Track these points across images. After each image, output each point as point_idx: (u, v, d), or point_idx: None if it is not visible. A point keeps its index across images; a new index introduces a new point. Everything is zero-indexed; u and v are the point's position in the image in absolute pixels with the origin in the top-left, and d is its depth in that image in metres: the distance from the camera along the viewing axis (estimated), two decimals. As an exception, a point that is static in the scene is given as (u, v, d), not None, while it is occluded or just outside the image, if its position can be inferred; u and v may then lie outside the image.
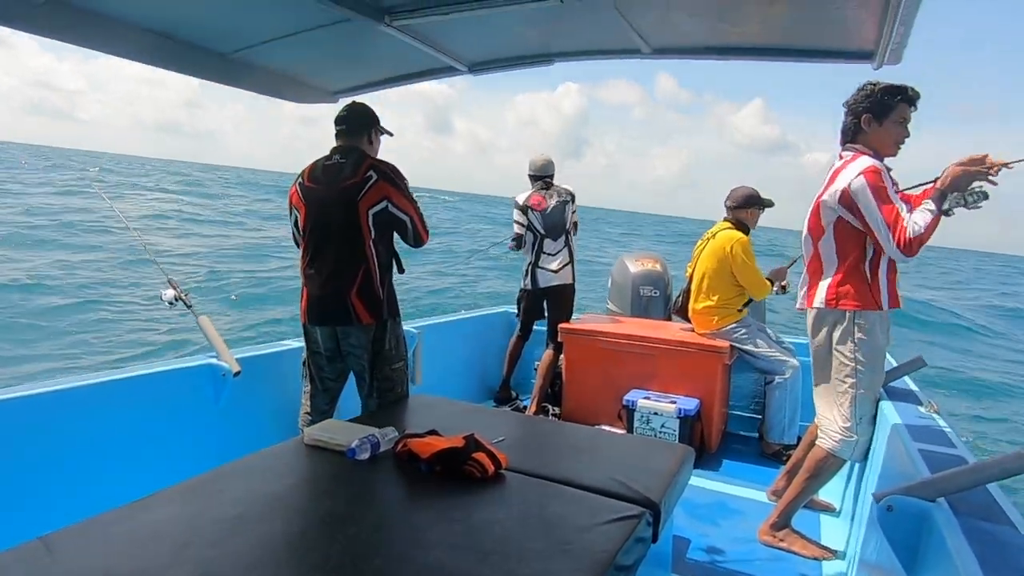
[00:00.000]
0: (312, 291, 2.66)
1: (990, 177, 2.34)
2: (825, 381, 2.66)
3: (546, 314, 4.55)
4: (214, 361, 2.73)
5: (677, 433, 3.58)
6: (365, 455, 1.89)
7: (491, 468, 1.80)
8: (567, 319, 4.39)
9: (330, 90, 3.30)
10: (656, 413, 3.63)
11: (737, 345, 3.89)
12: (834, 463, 2.62)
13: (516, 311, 4.70)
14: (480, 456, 1.81)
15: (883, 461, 2.39)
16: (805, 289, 2.74)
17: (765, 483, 3.33)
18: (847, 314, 2.55)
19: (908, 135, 2.56)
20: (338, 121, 2.76)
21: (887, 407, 2.60)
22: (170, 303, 2.87)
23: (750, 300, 3.94)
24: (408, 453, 1.88)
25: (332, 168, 2.65)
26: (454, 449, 1.82)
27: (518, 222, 4.47)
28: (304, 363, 2.79)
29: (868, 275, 2.53)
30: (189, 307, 2.88)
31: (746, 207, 3.97)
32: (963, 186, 2.36)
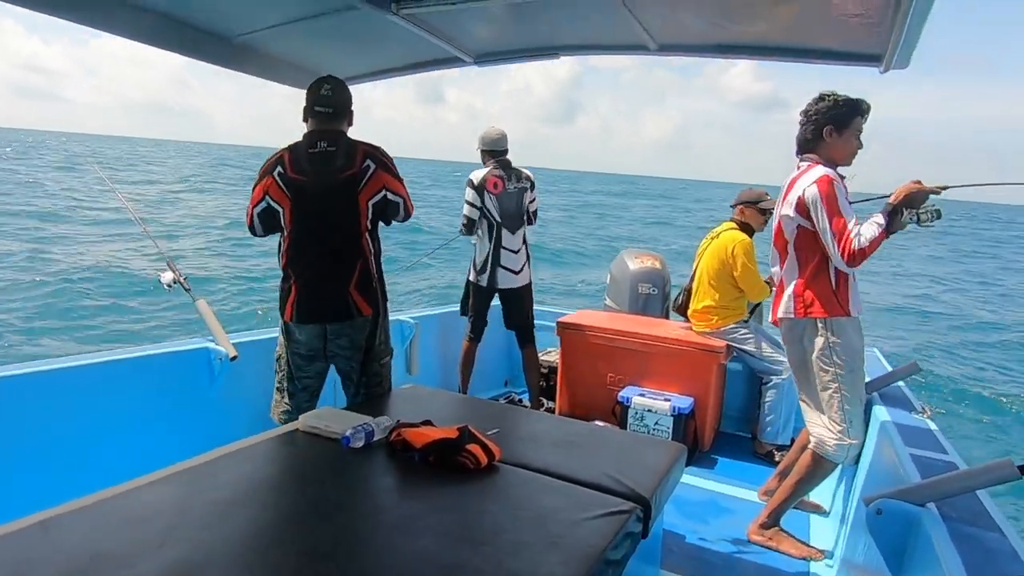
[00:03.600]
0: (303, 287, 2.49)
1: (935, 195, 2.46)
2: (809, 390, 2.67)
3: (508, 317, 4.19)
4: (211, 345, 2.73)
5: (671, 431, 3.59)
6: (359, 443, 1.89)
7: (484, 460, 1.81)
8: (531, 318, 4.22)
9: (342, 76, 3.30)
10: (650, 410, 3.64)
11: (736, 345, 3.89)
12: (826, 467, 2.63)
13: (461, 308, 4.22)
14: (474, 447, 1.81)
15: (874, 464, 2.40)
16: (773, 303, 2.79)
17: (757, 483, 3.34)
18: (816, 322, 2.57)
19: (862, 146, 2.61)
20: (321, 102, 2.50)
21: (880, 410, 2.61)
22: (168, 286, 2.86)
23: (758, 305, 3.94)
24: (402, 442, 1.88)
25: (320, 157, 2.45)
26: (448, 440, 1.83)
27: (470, 203, 3.95)
28: (279, 359, 2.64)
29: (833, 281, 2.56)
30: (187, 290, 2.88)
31: (751, 206, 3.95)
32: (916, 204, 2.45)
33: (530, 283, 4.18)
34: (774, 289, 3.79)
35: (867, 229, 2.41)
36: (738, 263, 3.79)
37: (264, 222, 2.54)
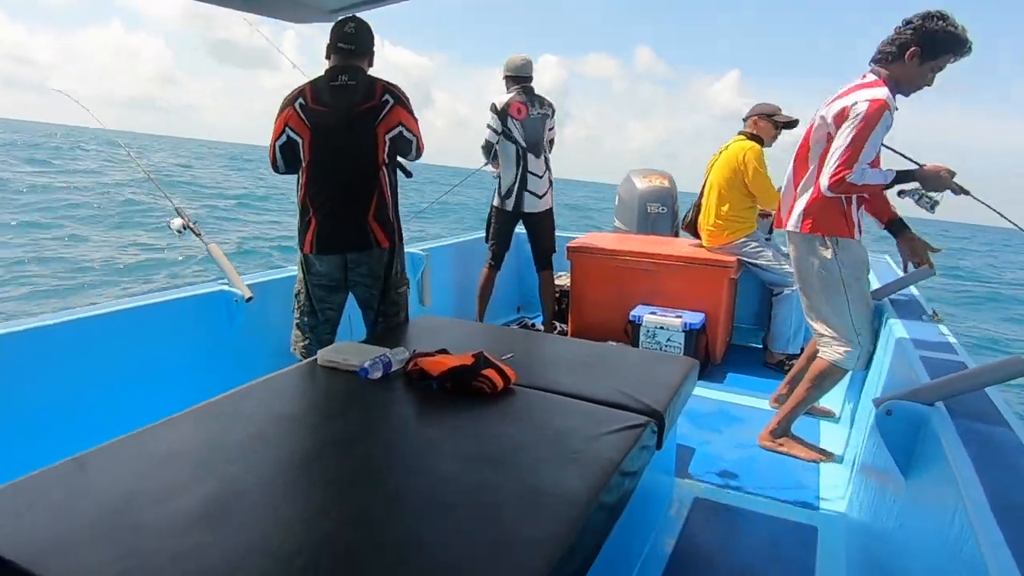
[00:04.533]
0: (323, 218, 2.55)
1: (953, 192, 2.42)
2: (815, 301, 2.69)
3: (532, 240, 4.23)
4: (226, 288, 2.77)
5: (683, 346, 3.64)
6: (377, 374, 1.94)
7: (500, 383, 1.85)
8: (554, 242, 4.23)
9: (326, 8, 3.18)
10: (662, 327, 3.68)
11: (746, 259, 3.89)
12: (836, 373, 2.68)
13: (485, 235, 4.26)
14: (489, 372, 1.85)
15: (884, 369, 2.43)
16: (784, 207, 2.75)
17: (768, 392, 3.41)
18: (824, 238, 2.57)
19: (931, 85, 2.48)
20: (345, 39, 2.55)
21: (890, 316, 2.63)
22: (178, 231, 2.87)
23: (768, 217, 3.91)
24: (419, 372, 1.92)
25: (341, 90, 2.50)
26: (464, 366, 1.87)
27: (492, 128, 3.95)
28: (298, 294, 2.71)
29: (844, 201, 2.53)
30: (198, 235, 2.89)
31: (764, 118, 3.87)
32: (932, 186, 2.42)
33: (552, 209, 4.19)
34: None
35: (874, 174, 2.37)
36: (750, 169, 3.74)
37: (285, 156, 2.58)
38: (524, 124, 3.93)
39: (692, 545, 2.14)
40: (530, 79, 4.04)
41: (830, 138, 2.49)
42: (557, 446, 1.55)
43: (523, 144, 3.94)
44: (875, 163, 2.46)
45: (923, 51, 2.39)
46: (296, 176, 2.63)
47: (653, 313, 3.76)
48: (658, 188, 4.84)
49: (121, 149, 3.36)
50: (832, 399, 3.36)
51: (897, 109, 2.43)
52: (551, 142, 4.15)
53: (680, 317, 3.68)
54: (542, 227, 4.17)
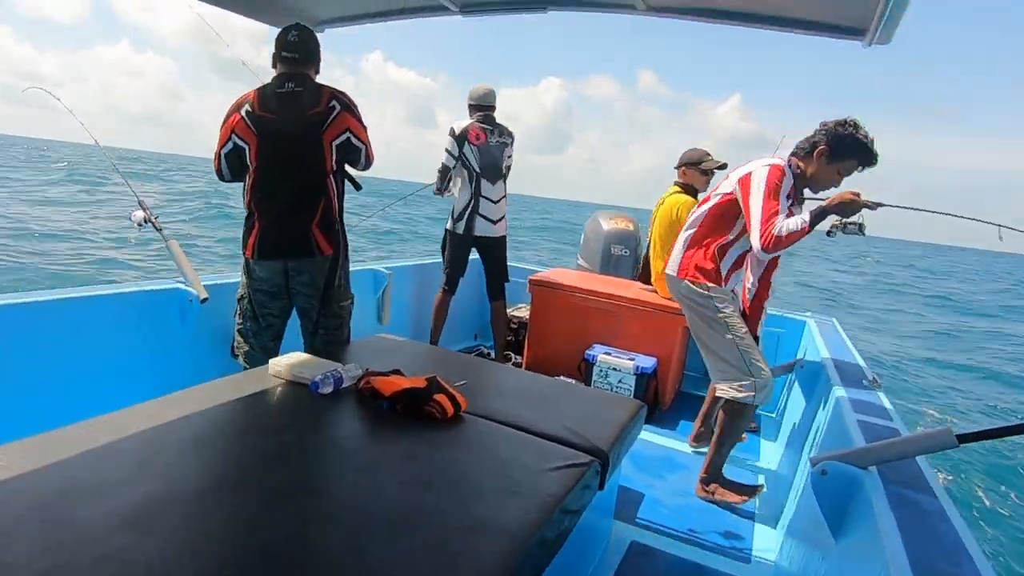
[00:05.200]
0: (267, 224, 2.54)
1: (869, 209, 2.50)
2: (706, 341, 2.81)
3: (483, 266, 4.27)
4: (182, 286, 2.72)
5: (633, 389, 3.68)
6: (328, 389, 1.92)
7: (451, 410, 1.85)
8: (506, 271, 4.29)
9: (317, 18, 3.21)
10: (615, 368, 3.73)
11: None
12: (744, 410, 2.75)
13: (441, 258, 4.25)
14: (441, 398, 1.86)
15: (822, 429, 2.51)
16: (671, 255, 2.91)
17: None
18: (698, 284, 2.73)
19: (838, 187, 2.63)
20: (288, 47, 2.54)
21: (833, 379, 2.72)
22: (139, 224, 2.83)
23: None
24: (371, 390, 1.92)
25: (287, 96, 2.51)
26: (416, 389, 1.87)
27: (448, 152, 3.98)
28: (241, 299, 2.69)
29: (717, 256, 2.70)
30: (159, 230, 2.84)
31: (692, 166, 3.96)
32: (847, 212, 2.51)
33: (505, 236, 4.23)
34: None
35: (791, 222, 2.48)
36: (683, 224, 3.84)
37: (231, 164, 2.57)
38: (480, 150, 3.98)
39: None
40: (492, 108, 4.11)
41: (727, 199, 2.67)
42: (502, 477, 1.56)
43: (477, 169, 3.98)
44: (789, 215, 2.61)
45: (830, 151, 2.57)
46: (243, 181, 2.61)
47: (607, 353, 3.81)
48: (623, 231, 4.94)
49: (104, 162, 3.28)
50: (770, 457, 3.45)
51: (794, 184, 2.60)
52: (508, 168, 4.19)
53: (633, 360, 3.73)
54: (495, 253, 4.21)
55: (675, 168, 4.05)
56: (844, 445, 1.92)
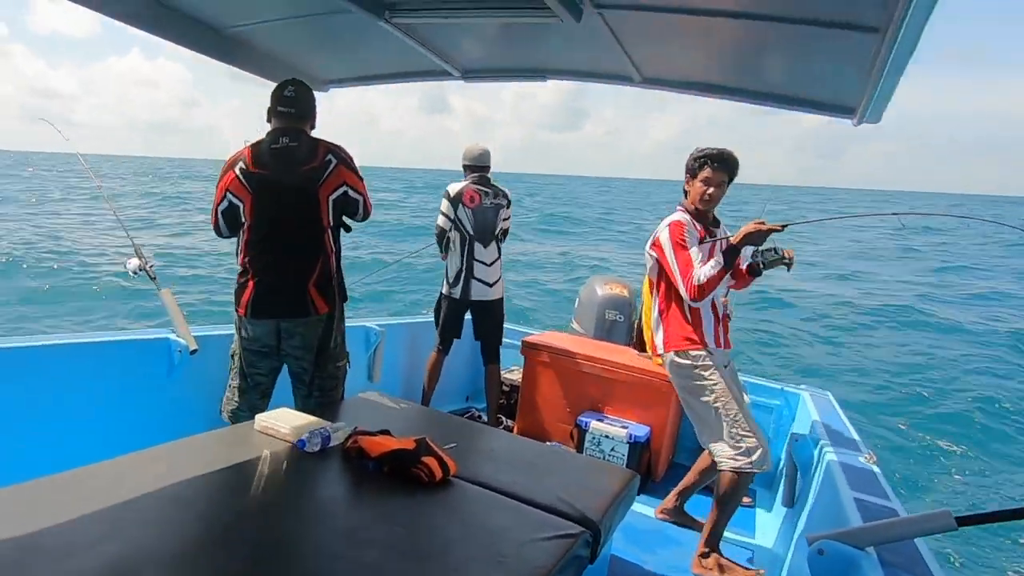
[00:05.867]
0: (262, 283, 2.47)
1: (778, 232, 2.62)
2: (698, 416, 2.79)
3: (477, 328, 4.21)
4: (171, 336, 2.69)
5: (626, 458, 3.61)
6: (315, 448, 1.88)
7: (439, 474, 1.80)
8: (501, 334, 4.25)
9: (322, 79, 3.29)
10: (607, 436, 3.67)
11: None
12: (743, 479, 2.70)
13: (435, 320, 4.18)
14: (430, 460, 1.81)
15: (819, 504, 2.46)
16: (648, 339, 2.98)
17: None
18: (681, 354, 2.75)
19: (713, 191, 2.76)
20: (284, 103, 2.51)
21: (828, 453, 2.68)
22: (133, 272, 2.81)
23: None
24: (358, 450, 1.87)
25: (282, 152, 2.45)
26: (404, 451, 1.82)
27: (444, 214, 3.95)
28: (233, 355, 2.62)
29: (688, 315, 2.76)
30: (152, 279, 2.83)
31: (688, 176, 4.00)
32: (756, 242, 2.63)
33: (503, 298, 4.19)
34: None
35: (706, 269, 2.61)
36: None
37: (228, 221, 2.54)
38: (475, 212, 3.98)
39: None
40: (487, 168, 4.13)
41: (657, 264, 2.80)
42: (488, 547, 1.51)
43: (470, 231, 3.98)
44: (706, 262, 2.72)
45: (689, 174, 2.81)
46: (236, 237, 2.57)
47: (600, 420, 3.75)
48: (617, 296, 4.94)
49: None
50: (766, 531, 3.35)
51: (698, 225, 2.76)
52: (505, 232, 4.20)
53: (626, 428, 3.68)
54: (491, 317, 4.17)
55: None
56: (841, 522, 1.87)
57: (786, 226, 2.61)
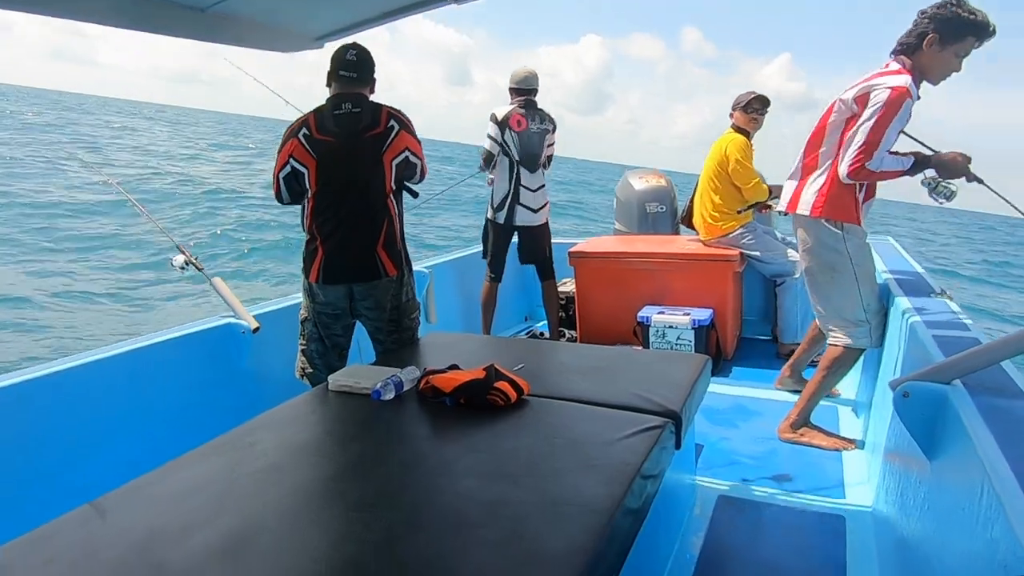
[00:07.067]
0: (331, 248, 2.52)
1: (967, 180, 2.42)
2: (824, 282, 2.68)
3: (525, 254, 4.22)
4: (232, 320, 2.76)
5: (693, 344, 3.62)
6: (390, 395, 1.93)
7: (514, 395, 1.83)
8: (551, 252, 4.23)
9: (314, 35, 3.19)
10: (671, 326, 3.67)
11: (745, 251, 3.88)
12: (851, 355, 2.66)
13: (483, 248, 4.23)
14: (502, 385, 1.84)
15: (898, 350, 2.41)
16: (792, 190, 2.73)
17: None
18: (832, 223, 2.57)
19: (959, 70, 2.45)
20: (347, 66, 2.54)
21: (900, 298, 2.61)
22: (181, 268, 2.88)
23: (753, 205, 3.91)
24: (432, 389, 1.91)
25: (346, 118, 2.49)
26: (476, 381, 1.85)
27: (492, 138, 3.95)
28: (304, 321, 2.69)
29: (856, 189, 2.54)
30: (200, 270, 2.89)
31: (739, 108, 3.90)
32: (948, 172, 2.42)
33: (547, 223, 4.18)
34: (776, 198, 3.74)
35: (892, 161, 2.38)
36: (731, 160, 3.78)
37: (289, 187, 2.57)
38: (521, 137, 3.93)
39: (719, 544, 2.11)
40: (534, 92, 4.05)
41: (850, 122, 2.49)
42: (575, 454, 1.54)
43: (517, 157, 3.94)
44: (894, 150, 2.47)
45: (941, 36, 2.38)
46: (301, 204, 2.62)
47: (661, 312, 3.74)
48: (656, 187, 4.83)
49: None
50: (847, 384, 3.34)
51: (919, 98, 2.43)
52: (550, 158, 4.15)
53: (688, 315, 3.66)
54: (538, 241, 4.16)
55: (728, 115, 3.99)
56: (922, 363, 1.84)
57: (980, 182, 2.43)
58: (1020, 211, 2.43)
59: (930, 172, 2.48)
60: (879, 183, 2.59)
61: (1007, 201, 2.49)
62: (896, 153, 2.47)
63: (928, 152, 2.49)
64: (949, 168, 2.42)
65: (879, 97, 2.37)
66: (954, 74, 2.47)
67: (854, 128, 2.43)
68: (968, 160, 2.40)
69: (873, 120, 2.36)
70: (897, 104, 2.34)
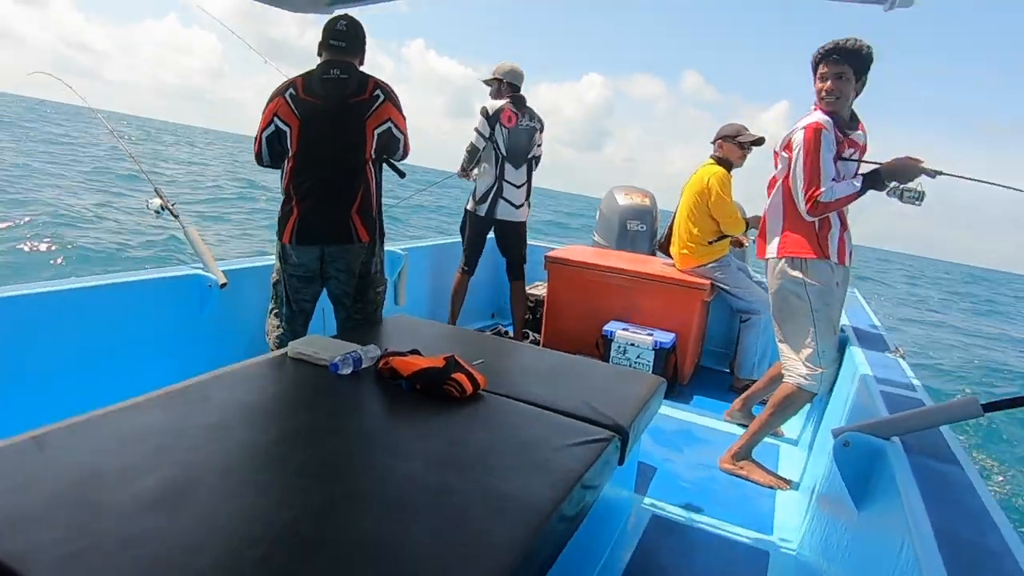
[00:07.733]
0: (306, 209, 2.54)
1: (926, 176, 2.44)
2: (785, 323, 2.76)
3: (502, 248, 4.29)
4: (200, 272, 2.74)
5: (652, 365, 3.67)
6: (347, 370, 1.93)
7: (470, 388, 1.86)
8: (525, 251, 4.31)
9: (324, 0, 3.17)
10: (633, 344, 3.72)
11: (717, 283, 3.95)
12: (801, 397, 2.73)
13: (461, 239, 4.27)
14: (459, 376, 1.86)
15: (844, 399, 2.49)
16: (760, 239, 2.85)
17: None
18: (796, 261, 2.65)
19: (830, 84, 2.56)
20: (336, 36, 2.58)
21: (855, 349, 2.69)
22: (156, 212, 2.84)
23: (725, 236, 3.97)
24: (390, 370, 1.92)
25: (333, 83, 2.53)
26: (434, 368, 1.87)
27: (479, 132, 3.98)
28: (276, 284, 2.71)
29: (816, 224, 2.62)
30: (176, 216, 2.86)
31: (729, 139, 3.93)
32: (906, 178, 2.46)
33: (526, 221, 4.24)
34: (753, 229, 3.83)
35: (840, 187, 2.48)
36: (712, 193, 3.82)
37: (271, 147, 2.59)
38: (511, 133, 3.97)
39: (647, 561, 2.16)
40: (520, 88, 4.09)
41: (786, 169, 2.64)
42: (521, 455, 1.57)
43: (504, 152, 3.98)
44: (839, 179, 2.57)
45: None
46: (281, 167, 2.62)
47: (626, 329, 3.79)
48: (639, 205, 4.89)
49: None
50: (792, 425, 3.42)
51: (846, 134, 2.59)
52: (536, 159, 4.19)
53: (652, 335, 3.72)
54: (514, 237, 4.22)
55: (711, 143, 4.02)
56: (866, 416, 1.90)
57: (940, 173, 2.46)
58: (1001, 185, 2.50)
59: (892, 186, 2.55)
60: (847, 214, 2.69)
61: (977, 179, 2.59)
62: (844, 179, 2.58)
63: (874, 166, 2.58)
64: (901, 172, 2.48)
65: (798, 139, 2.57)
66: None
67: (791, 174, 2.58)
68: (918, 160, 2.47)
69: (802, 159, 2.53)
70: (815, 137, 2.52)
